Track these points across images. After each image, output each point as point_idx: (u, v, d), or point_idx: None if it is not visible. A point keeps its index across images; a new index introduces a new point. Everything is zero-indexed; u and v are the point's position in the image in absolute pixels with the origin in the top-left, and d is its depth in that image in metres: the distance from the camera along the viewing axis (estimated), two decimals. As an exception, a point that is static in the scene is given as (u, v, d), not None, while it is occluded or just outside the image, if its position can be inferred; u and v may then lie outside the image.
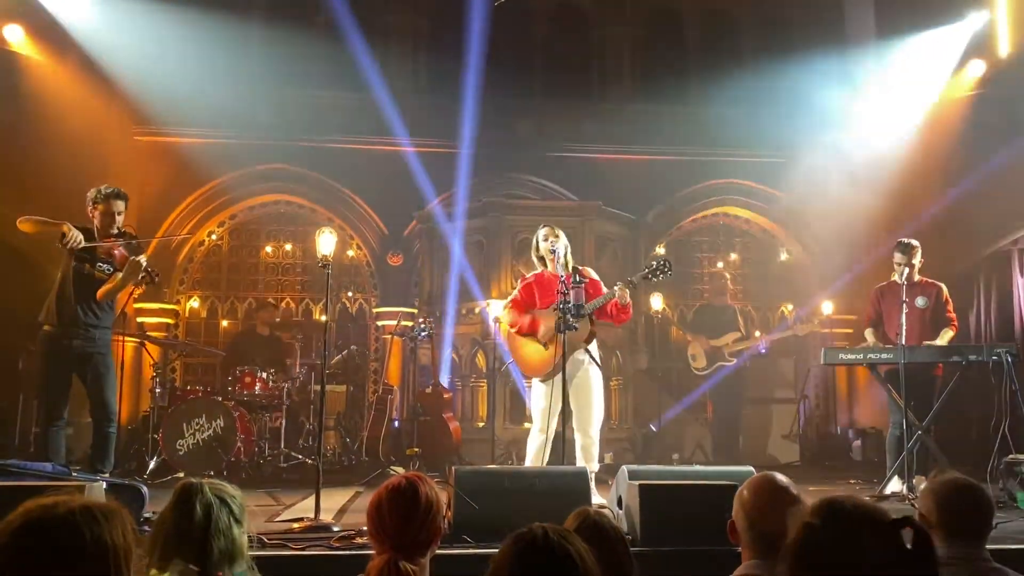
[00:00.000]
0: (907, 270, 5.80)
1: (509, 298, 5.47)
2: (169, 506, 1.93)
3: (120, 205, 5.02)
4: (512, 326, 5.28)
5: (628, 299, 5.11)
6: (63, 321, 4.88)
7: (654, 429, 8.20)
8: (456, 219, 8.80)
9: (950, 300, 6.00)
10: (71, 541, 1.32)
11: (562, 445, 4.92)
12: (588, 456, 5.07)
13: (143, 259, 4.93)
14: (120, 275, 4.93)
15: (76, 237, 4.76)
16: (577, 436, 5.05)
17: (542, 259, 5.33)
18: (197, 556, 1.83)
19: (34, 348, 5.15)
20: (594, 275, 5.34)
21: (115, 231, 5.00)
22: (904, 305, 5.53)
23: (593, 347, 5.16)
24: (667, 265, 5.12)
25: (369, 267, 10.48)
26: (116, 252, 4.97)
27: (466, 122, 10.53)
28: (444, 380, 8.15)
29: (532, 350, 5.19)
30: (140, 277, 4.95)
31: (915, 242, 5.96)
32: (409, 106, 10.39)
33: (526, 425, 5.32)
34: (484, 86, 10.68)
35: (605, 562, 1.93)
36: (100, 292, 4.98)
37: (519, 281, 5.54)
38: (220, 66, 9.39)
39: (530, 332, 5.19)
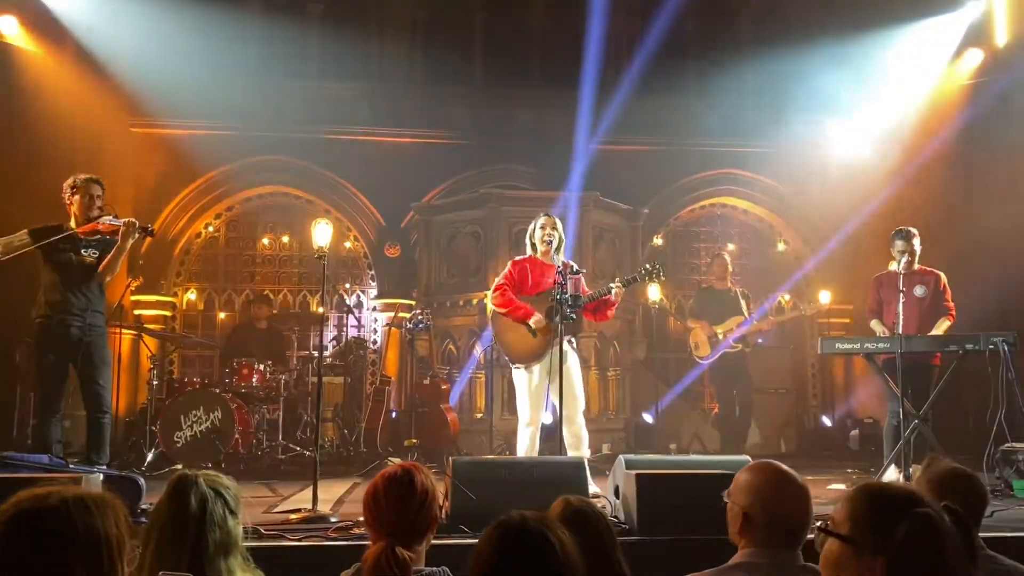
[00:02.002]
0: (906, 258, 5.80)
1: (499, 278, 5.40)
2: (164, 498, 1.93)
3: (97, 189, 5.08)
4: (504, 307, 5.22)
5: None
6: (55, 311, 4.90)
7: (649, 420, 8.18)
8: (453, 210, 8.80)
9: (948, 289, 5.99)
10: (63, 530, 1.32)
11: (559, 434, 4.93)
12: (578, 443, 5.08)
13: (134, 219, 5.00)
14: (118, 243, 4.98)
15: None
16: (565, 425, 5.05)
17: (534, 246, 5.33)
18: (192, 548, 1.83)
19: (29, 341, 5.18)
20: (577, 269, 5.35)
21: (95, 214, 5.02)
22: (902, 294, 5.53)
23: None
24: (660, 271, 5.26)
25: (366, 258, 10.48)
26: (101, 227, 5.00)
27: (463, 112, 10.53)
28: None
29: (519, 336, 5.18)
30: (137, 233, 5.00)
31: (914, 230, 5.96)
32: (406, 97, 10.38)
33: (523, 416, 5.31)
34: (481, 76, 10.67)
35: (590, 549, 1.93)
36: (103, 265, 5.01)
37: (510, 263, 5.45)
38: (216, 57, 9.35)
39: (522, 318, 5.16)
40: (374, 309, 10.33)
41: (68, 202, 5.05)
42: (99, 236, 5.04)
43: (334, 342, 8.95)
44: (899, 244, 5.87)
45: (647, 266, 5.31)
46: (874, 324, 6.04)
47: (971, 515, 2.32)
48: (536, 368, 5.14)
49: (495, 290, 5.34)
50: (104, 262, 5.04)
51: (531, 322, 5.10)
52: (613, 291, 5.11)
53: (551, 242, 5.22)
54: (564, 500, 2.26)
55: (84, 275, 4.99)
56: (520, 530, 1.53)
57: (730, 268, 8.06)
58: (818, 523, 1.62)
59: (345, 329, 9.50)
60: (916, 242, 5.89)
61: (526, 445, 5.14)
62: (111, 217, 5.04)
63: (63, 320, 4.90)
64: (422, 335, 8.12)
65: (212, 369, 9.53)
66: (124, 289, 6.86)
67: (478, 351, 8.10)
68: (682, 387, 8.61)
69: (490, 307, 5.45)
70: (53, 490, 1.37)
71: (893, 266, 5.86)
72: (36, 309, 4.98)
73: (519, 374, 5.24)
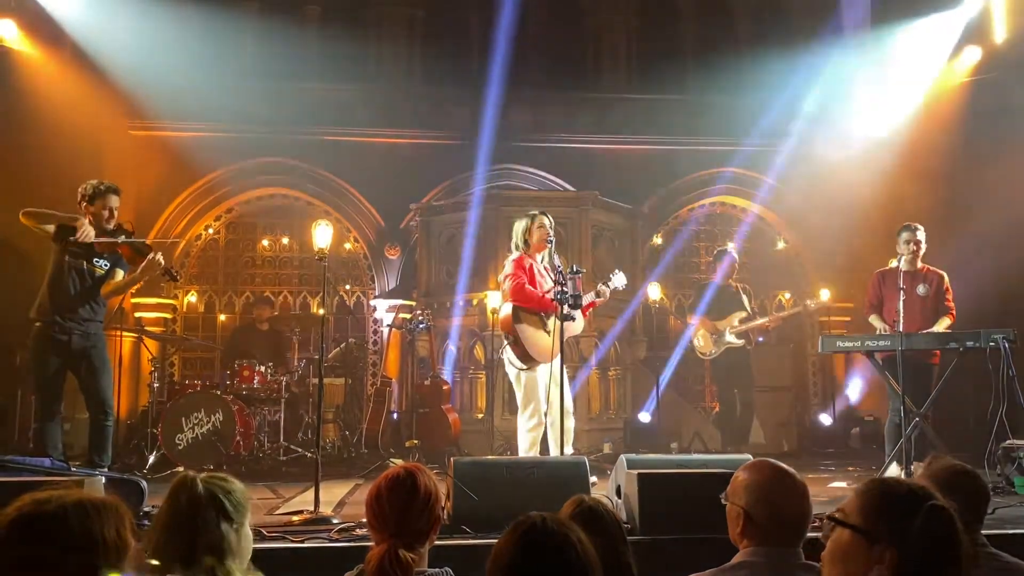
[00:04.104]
0: (911, 248, 5.83)
1: (512, 277, 5.25)
2: (164, 499, 1.94)
3: (116, 200, 5.01)
4: (528, 301, 5.12)
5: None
6: (58, 317, 4.87)
7: (645, 420, 8.15)
8: (453, 210, 8.79)
9: (951, 289, 6.00)
10: (63, 535, 1.32)
11: (560, 433, 4.93)
12: (568, 438, 5.09)
13: (160, 258, 4.94)
14: (135, 272, 4.97)
15: (89, 232, 4.77)
16: (564, 420, 5.05)
17: (527, 243, 5.31)
18: (183, 551, 1.83)
19: (27, 342, 5.14)
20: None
21: (112, 227, 4.99)
22: (902, 292, 5.53)
23: None
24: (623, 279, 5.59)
25: (366, 259, 10.48)
26: (120, 249, 4.98)
27: (462, 113, 10.53)
28: (447, 374, 8.13)
29: (540, 335, 5.16)
30: (160, 275, 5.00)
31: (920, 226, 5.98)
32: (405, 98, 10.38)
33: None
34: (480, 76, 10.67)
35: (601, 549, 1.93)
36: (109, 287, 4.99)
37: (513, 264, 5.34)
38: (215, 59, 9.36)
39: (542, 312, 5.14)
40: (374, 310, 10.34)
41: (83, 209, 4.93)
42: (116, 253, 5.00)
43: (335, 343, 8.94)
44: (905, 235, 5.90)
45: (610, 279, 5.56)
46: (873, 319, 6.04)
47: (973, 512, 2.32)
48: (541, 367, 5.15)
49: (514, 284, 5.21)
50: (114, 284, 5.01)
51: (551, 317, 5.11)
52: (604, 293, 5.22)
53: (552, 242, 5.22)
54: (577, 499, 2.26)
55: (92, 285, 4.95)
56: (541, 530, 1.54)
57: (736, 267, 8.00)
58: (827, 514, 1.61)
59: (346, 330, 9.50)
60: (921, 235, 5.90)
61: (536, 445, 5.13)
62: (130, 238, 4.98)
63: (66, 327, 4.87)
64: (422, 336, 8.12)
65: (213, 371, 9.53)
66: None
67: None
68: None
69: (502, 307, 5.38)
70: (54, 495, 1.37)
71: (895, 263, 5.87)
72: (38, 312, 4.92)
73: (528, 374, 5.21)
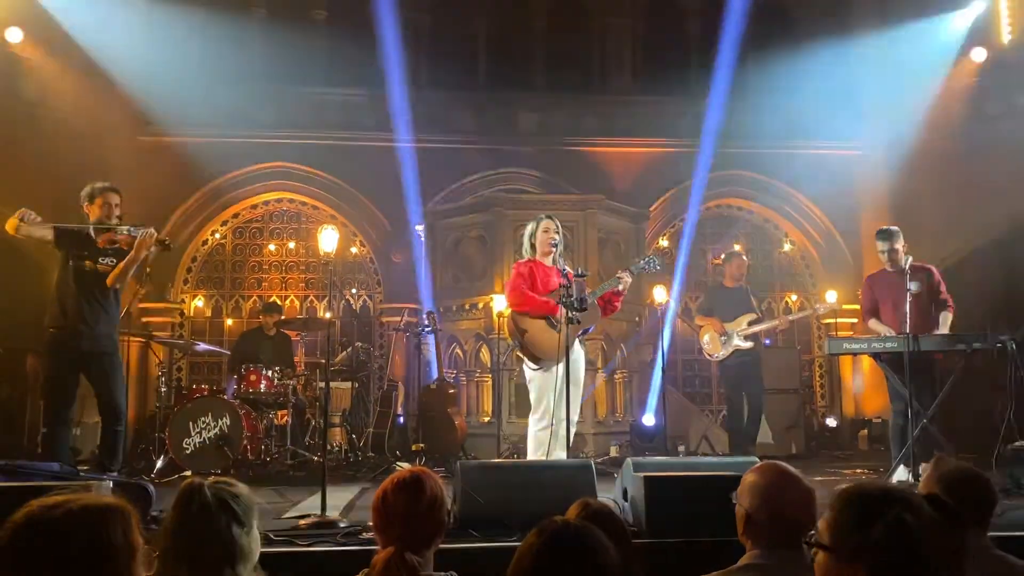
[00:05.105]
0: (886, 257, 5.79)
1: (513, 284, 5.26)
2: (172, 506, 1.94)
3: (116, 198, 5.04)
4: (527, 306, 5.12)
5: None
6: (69, 322, 4.87)
7: (647, 423, 8.12)
8: (458, 214, 8.81)
9: (943, 281, 5.93)
10: (70, 540, 1.33)
11: (567, 434, 4.92)
12: (558, 443, 5.05)
13: (152, 230, 4.96)
14: (131, 253, 4.93)
15: (28, 215, 4.78)
16: (571, 422, 5.02)
17: (534, 247, 5.30)
18: (192, 556, 1.83)
19: (41, 350, 5.16)
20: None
21: (113, 224, 5.01)
22: (897, 291, 5.50)
23: None
24: (654, 261, 5.42)
25: (372, 264, 10.50)
26: (119, 239, 4.99)
27: (468, 117, 10.55)
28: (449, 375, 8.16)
29: (547, 334, 5.14)
30: (153, 247, 4.99)
31: (894, 228, 5.93)
32: (411, 101, 10.40)
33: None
34: (485, 80, 10.69)
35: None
36: (115, 273, 4.96)
37: (515, 270, 5.35)
38: (221, 65, 9.40)
39: (548, 314, 5.13)
40: (380, 314, 10.35)
41: (86, 211, 5.00)
42: (117, 246, 5.02)
43: (341, 347, 8.96)
44: (879, 244, 5.86)
45: (651, 257, 5.47)
46: (873, 323, 5.96)
47: (980, 515, 2.32)
48: (556, 368, 5.12)
49: (512, 291, 5.24)
50: (116, 271, 4.98)
51: (556, 317, 5.07)
52: (621, 282, 5.17)
53: (556, 245, 5.21)
54: (583, 502, 2.27)
55: (100, 285, 4.96)
56: (567, 534, 1.54)
57: (746, 269, 7.93)
58: (806, 533, 1.61)
59: (352, 334, 9.52)
60: (897, 240, 5.84)
61: (544, 446, 5.09)
62: (129, 228, 5.00)
63: (77, 330, 4.87)
64: (428, 339, 8.13)
65: (220, 376, 9.56)
66: (132, 297, 6.87)
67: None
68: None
69: (505, 311, 5.39)
70: (61, 499, 1.38)
71: (886, 266, 5.85)
72: (50, 318, 4.93)
73: (540, 375, 5.19)
